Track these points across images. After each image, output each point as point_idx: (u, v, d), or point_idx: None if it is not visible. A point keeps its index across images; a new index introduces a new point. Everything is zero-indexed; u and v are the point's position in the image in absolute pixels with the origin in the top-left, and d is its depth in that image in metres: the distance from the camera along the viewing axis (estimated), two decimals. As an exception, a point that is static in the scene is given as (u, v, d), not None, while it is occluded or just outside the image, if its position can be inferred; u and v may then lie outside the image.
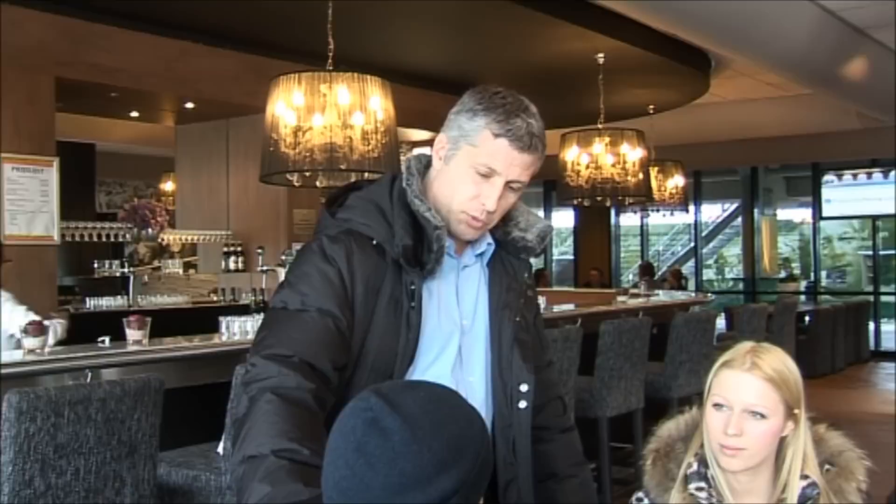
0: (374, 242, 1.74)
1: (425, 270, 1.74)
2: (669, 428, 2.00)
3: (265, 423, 1.53)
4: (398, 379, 1.70)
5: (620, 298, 7.23)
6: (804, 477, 1.86)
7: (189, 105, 8.01)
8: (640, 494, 1.99)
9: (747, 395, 1.82)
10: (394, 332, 1.73)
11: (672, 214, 11.57)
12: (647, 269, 13.10)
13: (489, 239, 1.87)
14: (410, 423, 1.16)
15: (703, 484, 1.89)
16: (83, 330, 4.65)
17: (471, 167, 1.73)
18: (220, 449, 3.25)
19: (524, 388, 1.83)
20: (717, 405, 1.85)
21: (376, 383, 1.65)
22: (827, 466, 1.89)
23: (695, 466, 1.91)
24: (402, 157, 5.84)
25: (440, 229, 1.73)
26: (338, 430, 1.21)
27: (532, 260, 1.99)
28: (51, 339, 3.57)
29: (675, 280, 12.62)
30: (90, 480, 2.70)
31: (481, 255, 1.88)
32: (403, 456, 1.14)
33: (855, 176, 13.73)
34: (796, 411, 1.85)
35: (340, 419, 1.22)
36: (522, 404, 1.83)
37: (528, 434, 1.85)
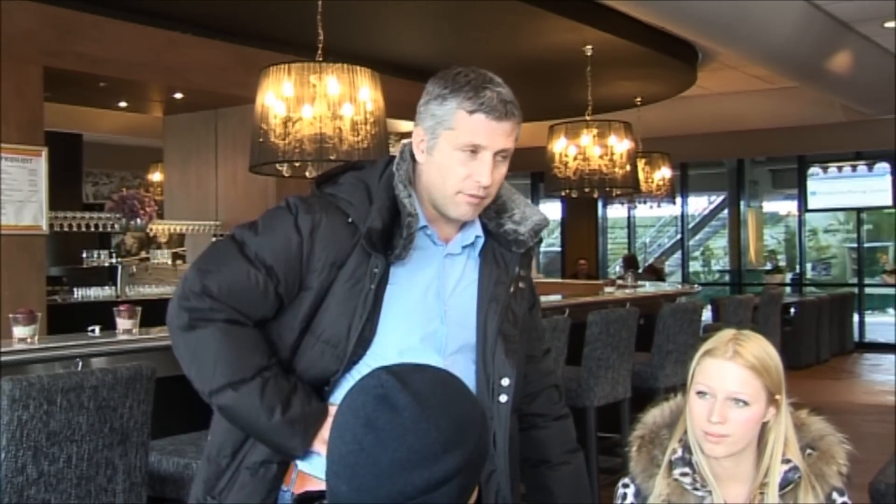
0: (350, 220, 1.77)
1: (393, 255, 1.75)
2: (654, 415, 2.03)
3: (227, 350, 1.74)
4: (350, 355, 1.75)
5: (608, 289, 7.26)
6: (786, 461, 1.89)
7: (178, 95, 7.99)
8: (626, 480, 2.02)
9: (730, 383, 1.85)
10: (349, 309, 1.75)
11: (659, 206, 11.58)
12: (630, 262, 13.13)
13: (479, 231, 1.88)
14: (420, 400, 1.18)
15: (687, 469, 1.92)
16: (71, 320, 4.66)
17: (455, 150, 1.75)
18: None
19: (505, 381, 1.83)
20: (700, 393, 1.88)
21: (328, 356, 1.76)
22: (808, 451, 1.92)
23: (679, 452, 1.94)
24: (392, 148, 5.87)
25: (413, 217, 1.76)
26: (346, 406, 1.22)
27: None
28: None
29: (654, 275, 12.54)
30: (82, 468, 2.71)
31: (471, 245, 1.88)
32: (412, 432, 1.15)
33: (840, 168, 13.79)
34: (777, 397, 1.89)
35: (349, 396, 1.23)
36: (503, 398, 1.83)
37: (507, 428, 1.85)
